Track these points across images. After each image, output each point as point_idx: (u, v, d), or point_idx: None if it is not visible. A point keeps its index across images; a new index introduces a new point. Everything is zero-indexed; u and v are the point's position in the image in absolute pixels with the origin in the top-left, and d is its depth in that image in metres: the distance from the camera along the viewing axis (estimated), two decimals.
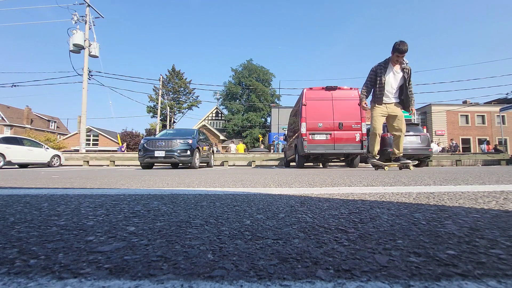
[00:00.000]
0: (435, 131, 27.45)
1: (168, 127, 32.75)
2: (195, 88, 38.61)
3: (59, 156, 12.12)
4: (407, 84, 4.61)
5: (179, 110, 38.06)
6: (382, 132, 4.74)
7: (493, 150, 16.53)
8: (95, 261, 0.54)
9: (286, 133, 11.01)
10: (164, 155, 7.55)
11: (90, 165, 13.19)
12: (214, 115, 41.10)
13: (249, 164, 13.42)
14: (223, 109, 40.81)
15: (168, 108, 33.43)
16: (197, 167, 8.12)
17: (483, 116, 28.25)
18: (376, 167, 5.11)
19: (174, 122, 37.38)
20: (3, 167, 9.88)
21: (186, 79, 38.72)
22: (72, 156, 14.00)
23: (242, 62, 41.68)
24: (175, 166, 9.29)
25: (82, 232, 0.76)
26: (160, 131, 11.93)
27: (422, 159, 8.96)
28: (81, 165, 13.33)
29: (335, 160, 8.22)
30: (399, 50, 4.32)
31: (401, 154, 4.93)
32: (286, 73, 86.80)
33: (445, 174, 3.18)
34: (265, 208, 1.11)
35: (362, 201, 1.28)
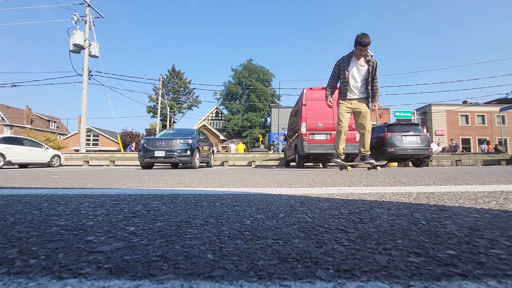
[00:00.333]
0: (435, 131, 27.45)
1: (168, 127, 32.75)
2: (195, 88, 38.62)
3: (59, 156, 12.12)
4: (371, 78, 4.49)
5: (179, 110, 38.06)
6: (347, 129, 4.66)
7: (493, 150, 16.52)
8: (95, 261, 0.54)
9: (286, 133, 11.02)
10: (164, 155, 7.55)
11: (90, 165, 13.20)
12: (214, 115, 41.10)
13: (249, 164, 13.42)
14: (223, 109, 40.81)
15: (168, 108, 33.43)
16: (197, 167, 8.12)
17: (483, 116, 28.25)
18: (340, 167, 4.96)
19: (174, 122, 37.38)
20: (3, 167, 9.88)
21: (186, 79, 38.72)
22: (72, 156, 14.01)
23: (242, 62, 41.73)
24: (175, 166, 9.29)
25: (82, 232, 0.76)
26: (160, 131, 11.93)
27: (422, 159, 8.97)
28: (81, 165, 13.33)
29: None
30: (361, 43, 4.19)
31: (368, 153, 4.81)
32: (286, 73, 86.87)
33: (445, 174, 3.18)
34: (265, 208, 1.11)
35: (362, 201, 1.27)
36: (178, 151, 7.66)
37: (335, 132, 7.08)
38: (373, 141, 8.96)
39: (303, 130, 7.08)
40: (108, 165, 13.22)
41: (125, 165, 13.70)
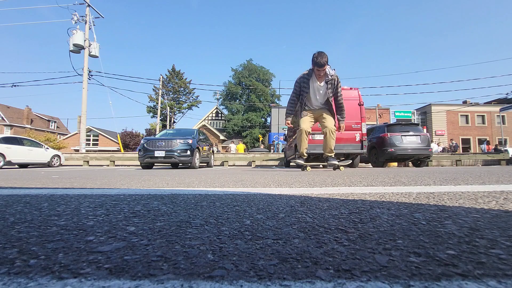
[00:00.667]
0: (435, 131, 27.46)
1: (168, 127, 32.75)
2: (195, 88, 38.60)
3: (59, 156, 12.12)
4: (334, 94, 4.38)
5: (179, 110, 38.07)
6: (309, 130, 4.52)
7: (493, 150, 16.53)
8: (95, 261, 0.54)
9: (286, 133, 11.02)
10: (164, 155, 7.55)
11: (90, 165, 13.19)
12: (214, 115, 41.10)
13: (249, 164, 13.42)
14: (223, 109, 40.81)
15: (168, 108, 33.43)
16: (197, 167, 8.12)
17: (483, 116, 28.26)
18: (302, 167, 4.84)
19: (174, 122, 37.38)
20: (3, 167, 9.88)
21: (186, 79, 38.72)
22: (72, 156, 14.01)
23: (242, 62, 41.71)
24: (175, 166, 9.29)
25: (82, 232, 0.76)
26: (160, 131, 11.93)
27: (422, 159, 8.97)
28: (81, 165, 13.33)
29: None
30: (317, 64, 4.02)
31: (331, 154, 4.71)
32: (286, 73, 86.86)
33: (445, 174, 3.18)
34: (265, 208, 1.11)
35: (362, 201, 1.27)
36: (178, 151, 7.66)
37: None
38: (373, 141, 8.96)
39: None
40: (108, 165, 13.22)
41: (125, 165, 13.71)
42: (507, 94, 20.63)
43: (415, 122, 17.82)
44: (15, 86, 16.73)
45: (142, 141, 8.01)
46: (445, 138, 26.31)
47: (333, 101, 4.43)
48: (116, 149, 33.00)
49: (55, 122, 47.14)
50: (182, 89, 38.54)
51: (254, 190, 1.79)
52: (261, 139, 30.43)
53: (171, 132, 9.47)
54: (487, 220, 0.86)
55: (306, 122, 4.50)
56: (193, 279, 0.45)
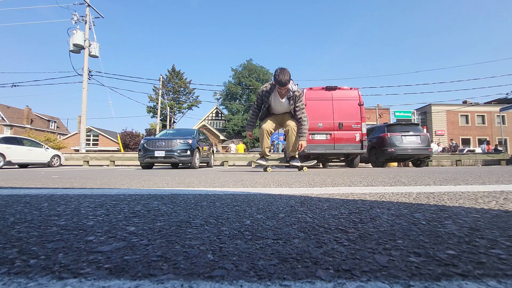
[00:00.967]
0: (435, 131, 27.47)
1: (168, 127, 32.75)
2: (195, 88, 38.58)
3: (59, 156, 12.12)
4: (294, 109, 4.31)
5: (179, 110, 38.06)
6: (272, 130, 4.49)
7: (493, 150, 16.53)
8: (95, 261, 0.54)
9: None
10: (164, 155, 7.55)
11: (90, 165, 13.20)
12: (214, 115, 41.09)
13: (249, 164, 13.42)
14: (223, 109, 40.79)
15: (168, 108, 33.43)
16: (197, 167, 8.12)
17: (483, 116, 28.27)
18: (264, 168, 4.71)
19: (174, 122, 37.38)
20: (3, 167, 9.88)
21: (186, 79, 38.71)
22: (72, 156, 14.01)
23: (242, 62, 41.71)
24: (175, 166, 9.29)
25: (82, 232, 0.76)
26: (160, 131, 11.93)
27: (422, 159, 8.97)
28: (81, 165, 13.33)
29: (335, 160, 8.23)
30: (279, 82, 3.90)
31: (294, 155, 4.61)
32: None
33: (445, 174, 3.18)
34: (265, 208, 1.11)
35: (362, 201, 1.27)
36: (178, 151, 7.66)
37: (335, 132, 7.13)
38: (373, 141, 8.96)
39: None
40: (108, 165, 13.22)
41: (125, 165, 13.71)
42: (507, 94, 20.64)
43: (415, 122, 17.82)
44: (15, 86, 16.73)
45: (142, 141, 8.01)
46: (445, 138, 26.31)
47: (294, 113, 4.38)
48: (116, 149, 33.00)
49: (55, 122, 47.14)
50: (182, 89, 38.53)
51: (254, 190, 1.79)
52: None
53: (171, 132, 9.47)
54: (487, 220, 0.86)
55: (269, 123, 4.49)
56: (193, 279, 0.45)
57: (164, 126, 33.62)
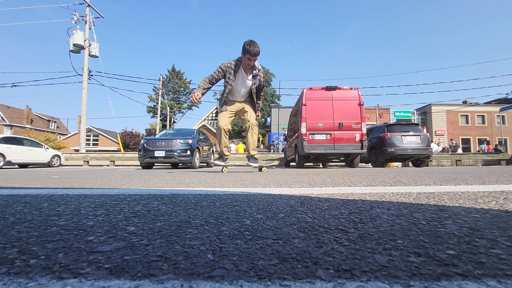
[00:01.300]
0: (435, 131, 27.47)
1: (168, 127, 32.75)
2: (195, 88, 38.47)
3: (59, 156, 12.12)
4: (256, 91, 4.23)
5: (179, 110, 38.07)
6: (229, 128, 4.31)
7: (493, 150, 16.54)
8: (95, 261, 0.54)
9: (286, 133, 11.03)
10: (164, 155, 7.55)
11: (90, 165, 13.20)
12: (214, 115, 41.09)
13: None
14: None
15: (168, 108, 33.43)
16: (197, 167, 8.12)
17: (483, 116, 28.26)
18: (222, 168, 4.61)
19: (174, 122, 37.38)
20: (3, 167, 9.88)
21: (186, 79, 38.74)
22: (72, 156, 14.01)
23: None
24: (175, 166, 9.29)
25: (82, 232, 0.76)
26: (160, 131, 11.93)
27: (422, 159, 8.97)
28: (81, 165, 13.33)
29: (335, 160, 8.23)
30: (250, 51, 3.74)
31: (254, 154, 4.47)
32: (286, 73, 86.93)
33: (445, 174, 3.18)
34: (265, 208, 1.11)
35: (362, 201, 1.27)
36: (178, 151, 7.66)
37: (335, 132, 7.13)
38: (373, 141, 8.97)
39: (303, 130, 7.08)
40: (108, 165, 13.22)
41: (125, 165, 13.71)
42: (507, 94, 20.65)
43: (415, 122, 17.82)
44: (15, 86, 16.74)
45: (142, 141, 8.01)
46: (445, 138, 26.32)
47: (255, 94, 4.27)
48: (116, 149, 32.99)
49: (55, 122, 47.15)
50: (182, 89, 38.54)
51: (254, 190, 1.79)
52: (261, 139, 30.44)
53: (171, 132, 9.47)
54: (487, 220, 0.86)
55: (225, 118, 4.27)
56: (193, 279, 0.45)
57: (164, 126, 33.62)
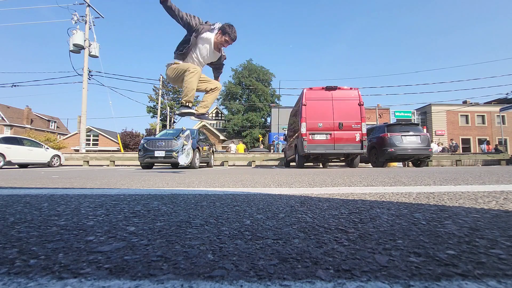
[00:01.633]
0: (435, 131, 27.46)
1: (168, 127, 32.75)
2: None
3: (59, 156, 12.12)
4: (217, 72, 4.02)
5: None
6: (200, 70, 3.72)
7: (493, 150, 16.54)
8: (95, 261, 0.54)
9: (286, 133, 11.02)
10: (164, 155, 7.55)
11: (90, 165, 13.19)
12: (214, 115, 41.09)
13: (249, 164, 13.42)
14: (223, 109, 40.81)
15: (168, 108, 33.41)
16: (197, 167, 8.12)
17: (483, 116, 28.25)
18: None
19: (174, 122, 37.36)
20: (3, 167, 9.88)
21: None
22: (72, 156, 14.00)
23: (242, 62, 41.73)
24: (175, 166, 9.29)
25: (82, 232, 0.76)
26: (160, 131, 11.93)
27: (422, 159, 8.97)
28: (81, 165, 13.33)
29: (335, 160, 8.23)
30: (230, 35, 3.54)
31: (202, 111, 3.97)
32: (286, 73, 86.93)
33: (445, 174, 3.18)
34: (265, 208, 1.11)
35: (362, 201, 1.27)
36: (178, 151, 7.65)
37: (335, 132, 7.12)
38: (373, 141, 8.97)
39: (303, 130, 7.08)
40: (108, 165, 13.22)
41: (125, 165, 13.70)
42: (507, 94, 20.63)
43: (415, 122, 17.82)
44: (15, 86, 16.73)
45: (142, 141, 8.01)
46: (445, 138, 26.31)
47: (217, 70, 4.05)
48: (116, 149, 32.99)
49: (55, 122, 47.14)
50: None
51: (254, 190, 1.79)
52: (261, 139, 30.42)
53: (171, 132, 9.46)
54: (487, 220, 0.86)
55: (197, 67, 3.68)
56: (193, 279, 0.45)
57: (164, 126, 33.60)
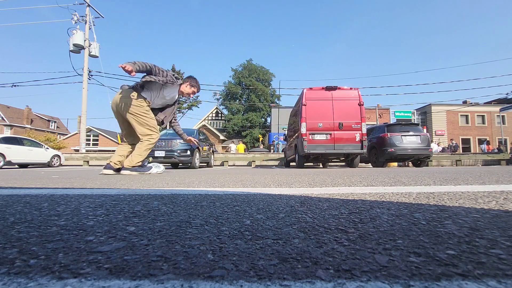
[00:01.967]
0: (435, 131, 27.47)
1: (168, 127, 32.70)
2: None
3: (59, 156, 12.12)
4: (173, 116, 4.23)
5: (179, 110, 38.02)
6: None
7: (496, 150, 16.54)
8: (95, 261, 0.54)
9: (286, 133, 11.02)
10: (164, 155, 7.55)
11: (90, 165, 13.20)
12: (214, 115, 41.11)
13: (249, 164, 13.42)
14: (223, 109, 40.83)
15: None
16: (197, 167, 8.12)
17: (483, 116, 28.27)
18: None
19: None
20: (3, 167, 9.88)
21: None
22: (72, 156, 14.01)
23: (242, 62, 41.74)
24: (175, 166, 9.29)
25: (82, 232, 0.76)
26: (160, 131, 11.92)
27: (422, 159, 8.97)
28: (81, 165, 13.33)
29: (335, 160, 8.23)
30: (197, 87, 4.11)
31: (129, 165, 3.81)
32: (286, 73, 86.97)
33: (445, 174, 3.18)
34: (265, 208, 1.11)
35: (362, 201, 1.28)
36: (178, 151, 7.66)
37: (335, 132, 7.13)
38: (373, 141, 8.97)
39: (303, 130, 7.08)
40: None
41: None
42: (507, 94, 20.63)
43: (415, 122, 17.82)
44: (15, 86, 16.73)
45: None
46: (445, 138, 26.32)
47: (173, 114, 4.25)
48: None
49: (55, 122, 47.15)
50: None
51: (254, 190, 1.79)
52: (261, 139, 30.44)
53: (171, 132, 9.46)
54: (487, 220, 0.86)
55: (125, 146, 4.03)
56: (193, 279, 0.45)
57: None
